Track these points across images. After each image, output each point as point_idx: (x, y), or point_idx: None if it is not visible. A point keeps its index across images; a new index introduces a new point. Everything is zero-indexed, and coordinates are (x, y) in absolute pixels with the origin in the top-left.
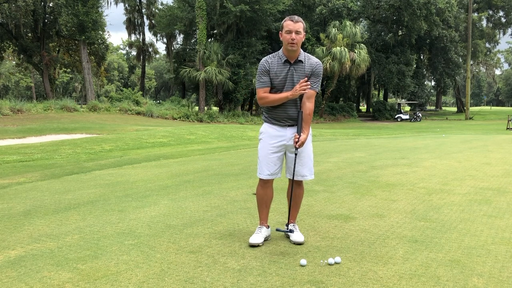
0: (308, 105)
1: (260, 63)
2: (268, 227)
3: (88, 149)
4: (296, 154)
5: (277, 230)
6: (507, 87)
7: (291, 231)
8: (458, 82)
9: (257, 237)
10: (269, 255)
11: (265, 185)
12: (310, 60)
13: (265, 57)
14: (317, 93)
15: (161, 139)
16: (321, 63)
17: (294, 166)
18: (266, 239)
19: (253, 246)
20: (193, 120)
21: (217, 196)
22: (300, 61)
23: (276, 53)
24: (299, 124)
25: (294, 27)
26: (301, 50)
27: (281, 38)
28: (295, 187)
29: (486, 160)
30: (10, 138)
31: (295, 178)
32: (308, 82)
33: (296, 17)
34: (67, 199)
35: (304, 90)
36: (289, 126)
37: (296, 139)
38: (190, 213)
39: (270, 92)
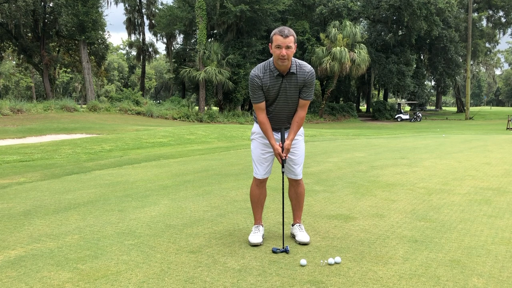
0: (300, 113)
1: (250, 78)
2: (262, 225)
3: (88, 149)
4: (283, 173)
5: (273, 251)
6: (507, 87)
7: (286, 251)
8: (458, 82)
9: (257, 237)
10: (269, 255)
11: (261, 184)
12: (302, 70)
13: (255, 71)
14: (316, 93)
15: (161, 139)
16: (313, 70)
17: (283, 165)
18: (263, 237)
19: (255, 245)
20: (193, 120)
21: (217, 196)
22: (293, 73)
23: (266, 64)
24: (282, 136)
25: (284, 43)
26: (293, 59)
27: (271, 51)
28: (295, 186)
29: (486, 160)
30: (10, 138)
31: (289, 177)
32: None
33: (286, 31)
34: (67, 199)
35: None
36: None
37: (280, 146)
38: (190, 213)
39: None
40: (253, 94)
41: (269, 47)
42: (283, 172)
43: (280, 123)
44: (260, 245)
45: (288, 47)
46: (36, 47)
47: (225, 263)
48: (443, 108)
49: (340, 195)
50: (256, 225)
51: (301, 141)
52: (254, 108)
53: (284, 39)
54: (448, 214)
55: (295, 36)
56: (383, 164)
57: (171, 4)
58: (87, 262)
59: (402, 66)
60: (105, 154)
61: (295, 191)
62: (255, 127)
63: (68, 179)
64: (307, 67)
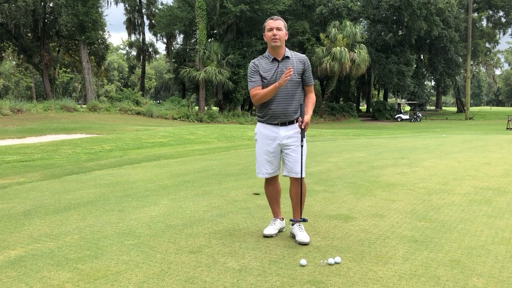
0: (310, 95)
1: (249, 66)
2: (282, 219)
3: (88, 149)
4: (302, 146)
5: (291, 220)
6: (507, 87)
7: (304, 219)
8: (458, 82)
9: (271, 229)
10: (269, 255)
11: (270, 182)
12: (297, 56)
13: (253, 60)
14: (316, 93)
15: (161, 139)
16: (306, 57)
17: (302, 162)
18: (280, 231)
19: (266, 237)
20: (193, 120)
21: (217, 196)
22: (287, 57)
23: (262, 55)
24: (302, 113)
25: (275, 24)
26: (286, 48)
27: (265, 39)
28: (295, 185)
29: (486, 160)
30: (10, 138)
31: (289, 176)
32: (292, 71)
33: (276, 16)
34: (67, 199)
35: (288, 77)
36: (281, 125)
37: (300, 122)
38: (190, 213)
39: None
40: (250, 79)
41: (264, 37)
42: (302, 146)
43: (282, 108)
44: (272, 237)
45: (278, 29)
46: (36, 47)
47: (225, 263)
48: (443, 108)
49: (340, 195)
50: (274, 218)
51: (294, 136)
52: (251, 94)
53: (275, 21)
54: (448, 214)
55: (285, 23)
56: (383, 164)
57: (171, 4)
58: (87, 262)
59: (402, 66)
60: (105, 154)
61: (295, 191)
62: (257, 127)
63: (68, 179)
64: (301, 54)
